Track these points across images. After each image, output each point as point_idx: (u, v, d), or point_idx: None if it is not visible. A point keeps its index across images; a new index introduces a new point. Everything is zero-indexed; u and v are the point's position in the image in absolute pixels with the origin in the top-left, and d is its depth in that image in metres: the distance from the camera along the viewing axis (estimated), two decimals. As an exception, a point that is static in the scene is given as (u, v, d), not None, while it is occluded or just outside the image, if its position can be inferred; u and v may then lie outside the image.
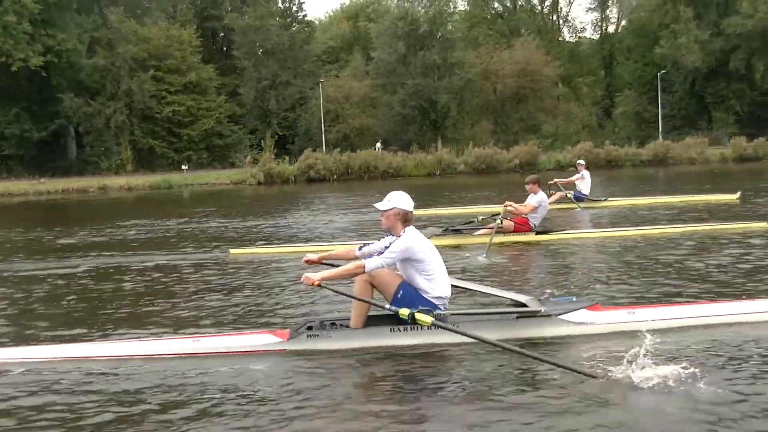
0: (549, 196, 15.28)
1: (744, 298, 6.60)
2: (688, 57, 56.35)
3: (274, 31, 60.18)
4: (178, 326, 6.83)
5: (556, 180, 18.00)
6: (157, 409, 4.62)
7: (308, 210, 22.69)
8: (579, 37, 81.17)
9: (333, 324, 5.85)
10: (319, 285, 5.53)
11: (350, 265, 5.70)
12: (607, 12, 76.85)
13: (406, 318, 5.26)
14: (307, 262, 6.18)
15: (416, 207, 6.21)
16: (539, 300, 6.18)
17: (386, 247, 5.78)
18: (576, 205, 16.98)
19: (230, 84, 63.31)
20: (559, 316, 5.68)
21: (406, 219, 5.80)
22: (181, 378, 5.22)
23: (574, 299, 6.16)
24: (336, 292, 5.77)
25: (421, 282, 5.71)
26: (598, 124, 71.52)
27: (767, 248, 10.06)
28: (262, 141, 57.95)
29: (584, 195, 17.46)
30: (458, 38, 56.94)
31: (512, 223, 11.78)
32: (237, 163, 55.49)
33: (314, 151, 47.43)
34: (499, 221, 11.40)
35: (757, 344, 5.41)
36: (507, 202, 12.11)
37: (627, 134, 63.07)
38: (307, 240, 13.72)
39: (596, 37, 79.42)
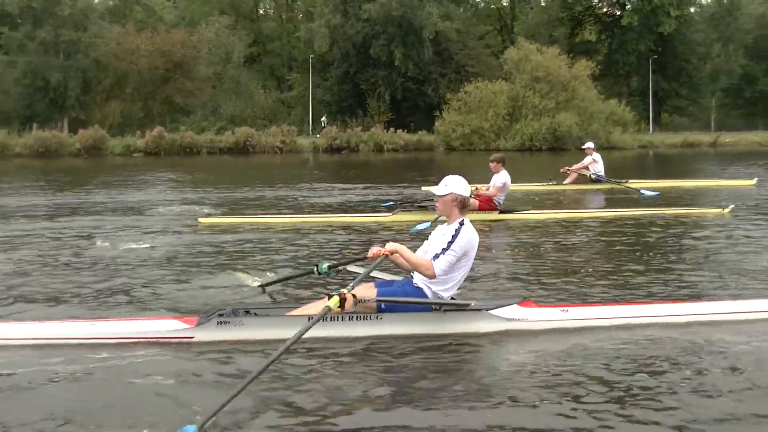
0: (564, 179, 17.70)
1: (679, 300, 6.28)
2: (317, 41, 55.65)
3: None
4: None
5: (567, 168, 18.27)
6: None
7: None
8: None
9: (247, 312, 5.26)
10: (387, 255, 5.21)
11: (423, 261, 5.24)
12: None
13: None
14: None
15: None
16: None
17: (448, 243, 5.25)
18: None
19: None
20: (490, 311, 5.32)
21: (464, 205, 5.41)
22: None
23: None
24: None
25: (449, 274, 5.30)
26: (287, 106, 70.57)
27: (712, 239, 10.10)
28: None
29: (602, 176, 17.81)
30: (72, 16, 54.49)
31: (477, 202, 11.89)
32: None
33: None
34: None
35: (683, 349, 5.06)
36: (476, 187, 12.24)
37: (301, 118, 62.51)
38: None
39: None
